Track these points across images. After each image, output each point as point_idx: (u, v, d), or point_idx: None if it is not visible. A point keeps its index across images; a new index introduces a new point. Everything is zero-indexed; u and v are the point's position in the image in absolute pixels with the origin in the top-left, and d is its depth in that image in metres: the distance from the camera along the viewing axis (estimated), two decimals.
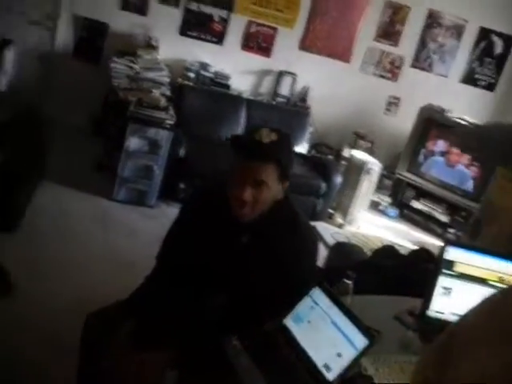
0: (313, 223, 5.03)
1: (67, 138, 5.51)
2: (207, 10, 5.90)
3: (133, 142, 4.63)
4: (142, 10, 5.84)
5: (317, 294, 1.76)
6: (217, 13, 5.93)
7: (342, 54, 6.23)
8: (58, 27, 5.84)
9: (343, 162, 5.92)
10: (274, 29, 6.04)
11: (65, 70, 5.91)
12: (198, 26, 5.95)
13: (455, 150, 5.96)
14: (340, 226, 5.48)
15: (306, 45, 6.14)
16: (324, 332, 1.68)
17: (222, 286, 1.97)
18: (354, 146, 6.09)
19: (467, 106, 6.40)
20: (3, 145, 3.79)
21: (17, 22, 5.47)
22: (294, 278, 1.91)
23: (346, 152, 5.97)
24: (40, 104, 5.75)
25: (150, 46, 5.78)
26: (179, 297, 2.02)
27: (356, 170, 5.55)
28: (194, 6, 5.87)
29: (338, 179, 5.43)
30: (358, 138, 6.22)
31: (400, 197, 6.27)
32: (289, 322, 1.77)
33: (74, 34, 5.90)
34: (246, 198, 1.85)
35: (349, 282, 1.91)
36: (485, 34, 6.44)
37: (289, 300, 1.83)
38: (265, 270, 1.90)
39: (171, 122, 4.67)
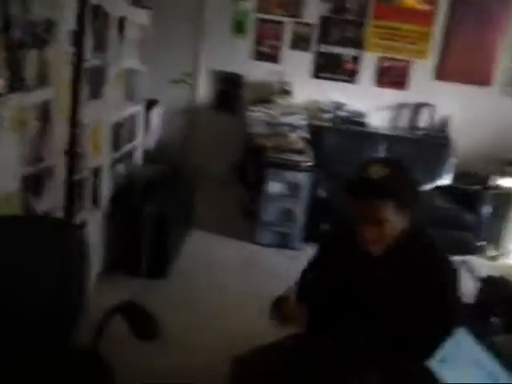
0: (463, 257, 4.87)
1: (212, 186, 5.79)
2: (337, 50, 5.97)
3: (273, 186, 4.74)
4: (274, 57, 6.05)
5: (462, 333, 1.68)
6: (347, 52, 5.97)
7: (481, 78, 5.99)
8: (198, 83, 6.19)
9: (491, 191, 5.63)
10: (407, 61, 5.96)
11: (206, 123, 6.24)
12: (329, 67, 6.03)
13: None
14: (492, 258, 5.19)
15: (441, 73, 5.98)
16: (470, 375, 1.59)
17: (361, 324, 1.95)
18: (502, 174, 5.78)
19: None
20: (154, 198, 4.04)
21: (160, 83, 5.87)
22: (436, 310, 1.85)
23: (494, 180, 5.67)
24: (186, 156, 6.09)
25: (285, 92, 5.93)
26: (321, 337, 2.04)
27: (506, 199, 5.26)
28: (324, 48, 5.97)
29: (487, 210, 5.17)
30: (505, 165, 5.90)
31: None
32: (433, 363, 1.70)
33: (212, 87, 6.22)
34: (368, 237, 1.87)
35: (497, 319, 1.81)
36: None
37: (432, 336, 1.77)
38: (403, 305, 1.85)
39: (309, 164, 4.72)
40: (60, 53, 2.65)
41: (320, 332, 2.07)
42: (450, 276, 1.95)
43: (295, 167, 4.71)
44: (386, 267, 1.93)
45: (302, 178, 4.70)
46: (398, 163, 1.95)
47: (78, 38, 2.32)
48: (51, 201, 2.84)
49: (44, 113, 2.64)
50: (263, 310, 3.76)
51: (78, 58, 2.31)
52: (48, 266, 2.19)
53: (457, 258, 4.78)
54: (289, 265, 4.57)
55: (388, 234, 1.87)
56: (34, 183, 2.66)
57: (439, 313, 1.84)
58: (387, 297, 1.90)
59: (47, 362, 2.06)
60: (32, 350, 2.06)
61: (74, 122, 2.37)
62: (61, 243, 2.21)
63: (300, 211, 4.76)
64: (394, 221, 1.85)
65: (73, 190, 2.62)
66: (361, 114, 5.97)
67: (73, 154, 2.43)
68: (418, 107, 6.01)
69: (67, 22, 2.64)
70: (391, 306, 1.88)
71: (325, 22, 5.90)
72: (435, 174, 5.56)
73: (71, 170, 2.48)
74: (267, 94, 5.88)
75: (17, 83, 2.36)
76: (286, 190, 4.75)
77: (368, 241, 1.88)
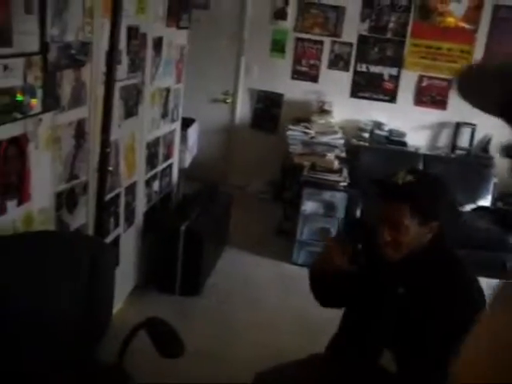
0: (503, 281, 4.76)
1: (249, 204, 5.82)
2: (376, 69, 5.95)
3: (309, 206, 4.72)
4: (313, 77, 6.07)
5: None
6: (386, 71, 5.95)
7: None
8: (237, 102, 6.25)
9: None
10: (448, 80, 5.89)
11: (244, 141, 6.29)
12: (368, 87, 6.01)
13: None
14: None
15: None
16: None
17: (386, 341, 1.94)
18: None
19: None
20: (190, 216, 4.08)
21: (200, 102, 5.96)
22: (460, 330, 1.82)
23: None
24: (223, 174, 6.14)
25: (324, 111, 5.94)
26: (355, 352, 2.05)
27: None
28: (363, 68, 5.96)
29: None
30: None
31: None
32: None
33: (251, 106, 6.27)
34: (385, 238, 1.89)
35: None
36: None
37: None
38: (427, 322, 1.83)
39: (345, 184, 4.70)
40: (95, 73, 2.72)
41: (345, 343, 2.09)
42: (475, 292, 1.90)
43: (331, 187, 4.69)
44: (402, 274, 1.92)
45: (338, 198, 4.67)
46: (430, 176, 1.96)
47: (110, 58, 2.37)
48: (84, 218, 2.90)
49: (79, 131, 2.71)
50: (295, 328, 3.78)
51: (110, 77, 2.37)
52: (77, 281, 2.23)
53: (497, 281, 4.70)
54: None
55: (404, 241, 1.88)
56: (67, 200, 2.72)
57: (448, 332, 1.81)
58: (411, 315, 1.89)
59: (72, 376, 2.09)
60: (58, 363, 2.09)
61: (105, 140, 2.43)
62: (89, 260, 2.25)
63: (335, 231, 4.73)
64: (413, 229, 1.86)
65: (103, 208, 2.66)
66: (401, 134, 5.92)
67: (104, 172, 2.48)
68: (458, 126, 5.93)
69: (102, 43, 2.71)
70: (416, 324, 1.86)
71: (364, 40, 5.90)
72: (476, 195, 5.45)
73: (102, 187, 2.52)
74: (306, 113, 5.89)
75: (52, 103, 2.43)
76: (321, 210, 4.73)
77: (385, 243, 1.89)
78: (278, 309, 4.07)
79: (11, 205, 2.27)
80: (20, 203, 2.33)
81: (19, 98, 2.19)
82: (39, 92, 2.32)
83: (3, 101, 2.10)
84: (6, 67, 2.08)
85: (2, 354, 1.99)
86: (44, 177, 2.48)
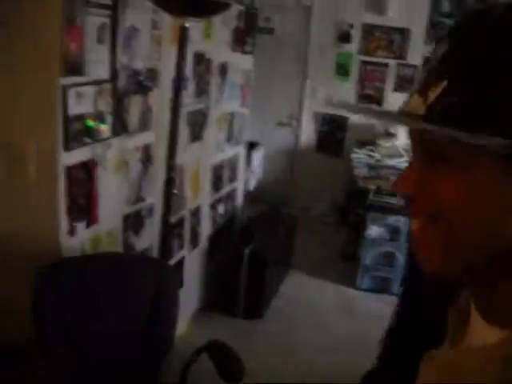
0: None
1: (314, 227, 5.80)
2: None
3: (373, 230, 4.66)
4: (378, 99, 6.02)
5: None
6: None
7: None
8: (301, 125, 6.27)
9: None
10: None
11: (309, 164, 6.29)
12: None
13: None
14: None
15: None
16: None
17: None
18: None
19: None
20: (254, 238, 4.10)
21: (265, 126, 6.03)
22: None
23: None
24: (287, 197, 6.15)
25: (389, 134, 5.87)
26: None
27: None
28: None
29: None
30: None
31: None
32: None
33: (316, 129, 6.27)
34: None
35: None
36: None
37: None
38: None
39: None
40: (161, 98, 2.80)
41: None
42: None
43: (395, 211, 4.62)
44: None
45: (403, 222, 4.59)
46: None
47: (176, 85, 2.43)
48: (150, 239, 2.96)
49: (145, 155, 2.78)
50: (359, 353, 3.71)
51: (176, 103, 2.42)
52: (142, 302, 2.28)
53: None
54: (388, 311, 4.45)
55: None
56: (134, 222, 2.79)
57: None
58: None
59: None
60: (122, 382, 2.13)
61: (171, 164, 2.48)
62: (154, 281, 2.30)
63: (401, 255, 4.65)
64: None
65: (167, 230, 2.71)
66: None
67: (169, 195, 2.53)
68: None
69: (169, 69, 2.78)
70: None
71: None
72: None
73: (167, 210, 2.57)
74: (371, 137, 5.84)
75: (120, 128, 2.51)
76: (386, 234, 4.66)
77: None
78: (341, 334, 4.02)
79: (80, 226, 2.34)
80: (89, 225, 2.40)
81: (90, 123, 2.27)
82: (108, 118, 2.40)
83: (75, 127, 2.18)
84: (78, 94, 2.16)
85: (69, 369, 2.05)
86: (112, 199, 2.55)
